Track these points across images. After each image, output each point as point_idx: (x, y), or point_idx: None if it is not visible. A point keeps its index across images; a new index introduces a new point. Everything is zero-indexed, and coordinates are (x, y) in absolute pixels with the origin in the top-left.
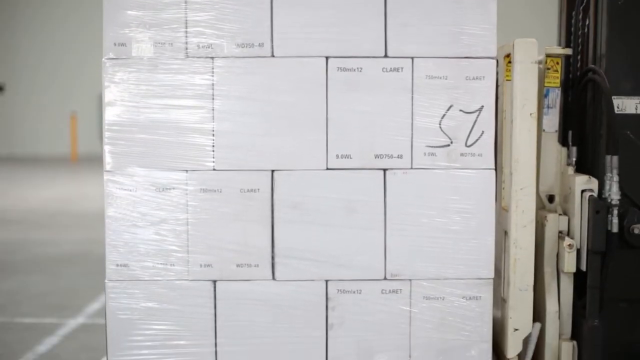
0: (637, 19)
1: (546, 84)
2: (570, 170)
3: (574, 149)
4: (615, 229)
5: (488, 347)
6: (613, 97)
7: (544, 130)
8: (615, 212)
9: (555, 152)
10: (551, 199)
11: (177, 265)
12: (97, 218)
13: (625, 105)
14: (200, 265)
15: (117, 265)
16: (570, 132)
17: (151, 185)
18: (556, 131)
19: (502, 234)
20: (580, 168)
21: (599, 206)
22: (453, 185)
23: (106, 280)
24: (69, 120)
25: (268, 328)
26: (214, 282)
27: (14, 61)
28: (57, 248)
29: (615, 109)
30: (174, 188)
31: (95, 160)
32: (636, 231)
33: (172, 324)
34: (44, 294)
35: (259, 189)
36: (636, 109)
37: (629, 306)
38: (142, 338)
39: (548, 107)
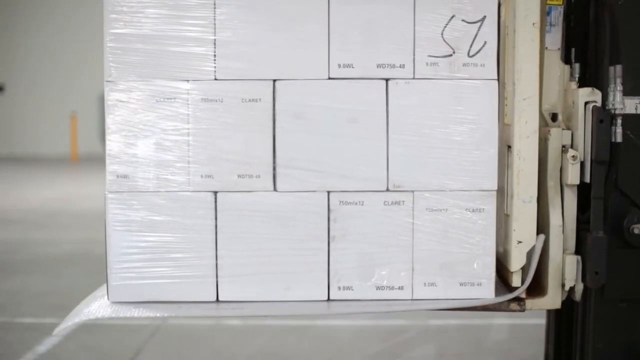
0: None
1: (548, 2)
2: (574, 85)
3: (577, 66)
4: (619, 139)
5: (491, 260)
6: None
7: (546, 48)
8: (619, 122)
9: (558, 69)
10: (554, 117)
11: (177, 176)
12: (97, 218)
13: (625, 105)
14: (201, 176)
15: (117, 176)
16: (573, 49)
17: (152, 95)
18: (559, 49)
19: (505, 151)
20: (584, 85)
21: (602, 115)
22: (455, 95)
23: (106, 192)
24: (69, 120)
25: (269, 240)
26: (215, 193)
27: (14, 61)
28: (57, 248)
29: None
30: (175, 98)
31: (95, 160)
32: (636, 231)
33: (173, 235)
34: (44, 294)
35: (260, 99)
36: (636, 109)
37: (629, 306)
38: (142, 250)
39: (550, 24)
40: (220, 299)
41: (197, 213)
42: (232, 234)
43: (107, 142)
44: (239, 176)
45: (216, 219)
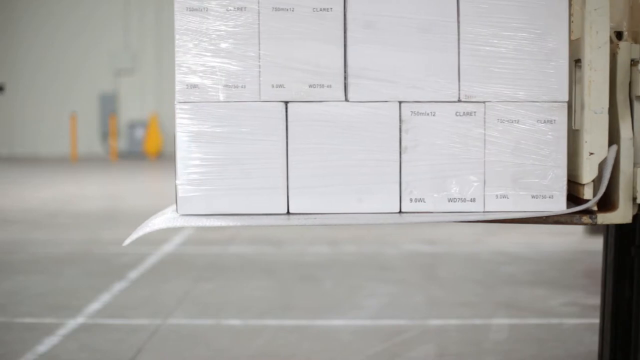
0: None
1: None
2: None
3: None
4: None
5: (563, 172)
6: None
7: None
8: None
9: None
10: (619, 35)
11: (248, 86)
12: (97, 218)
13: None
14: (272, 86)
15: (187, 86)
16: None
17: (223, 4)
18: None
19: (572, 67)
20: None
21: None
22: (526, 5)
23: (176, 102)
24: (69, 120)
25: (341, 151)
26: (286, 103)
27: (14, 61)
28: (57, 248)
29: None
30: (245, 7)
31: (95, 160)
32: None
33: (243, 146)
34: (44, 294)
35: (331, 8)
36: None
37: None
38: (211, 162)
39: None
40: (290, 211)
41: (267, 123)
42: (302, 145)
43: (177, 51)
44: (310, 86)
45: (287, 129)
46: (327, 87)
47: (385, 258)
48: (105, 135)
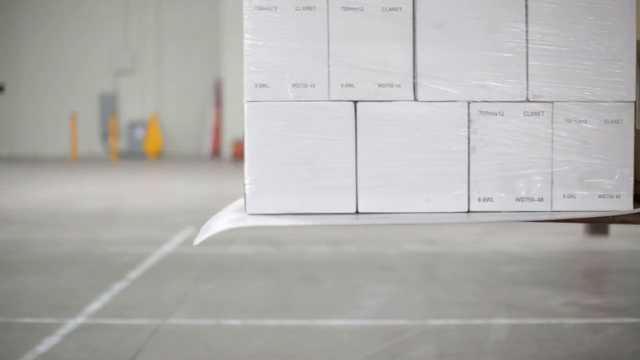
0: None
1: None
2: None
3: None
4: None
5: (630, 172)
6: None
7: None
8: None
9: None
10: None
11: (317, 85)
12: (97, 218)
13: None
14: (342, 85)
15: (256, 85)
16: None
17: (292, 3)
18: None
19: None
20: None
21: None
22: (594, 6)
23: (245, 101)
24: (69, 120)
25: (409, 150)
26: (355, 102)
27: (14, 61)
28: (57, 248)
29: None
30: (315, 7)
31: (95, 160)
32: None
33: (311, 146)
34: (44, 294)
35: (401, 8)
36: None
37: None
38: (280, 161)
39: None
40: (359, 210)
41: (336, 123)
42: (371, 144)
43: (245, 50)
44: (379, 85)
45: (356, 128)
46: (396, 86)
47: (385, 258)
48: (105, 135)
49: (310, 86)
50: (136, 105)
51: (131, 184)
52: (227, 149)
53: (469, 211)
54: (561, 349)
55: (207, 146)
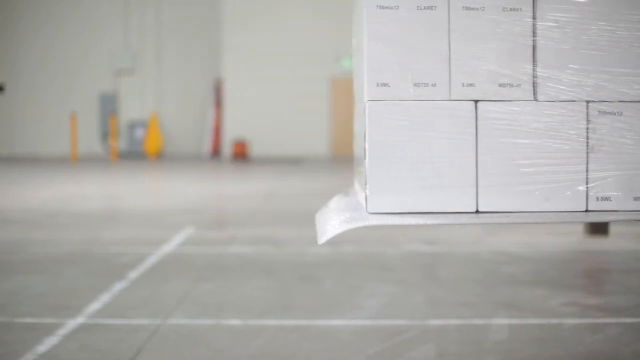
0: None
1: None
2: None
3: None
4: None
5: None
6: None
7: None
8: None
9: None
10: None
11: (438, 85)
12: (97, 218)
13: None
14: (463, 85)
15: (377, 84)
16: None
17: (412, 3)
18: None
19: None
20: None
21: None
22: None
23: (366, 100)
24: (69, 120)
25: (528, 150)
26: (476, 102)
27: (14, 61)
28: (57, 248)
29: None
30: (436, 6)
31: (95, 160)
32: None
33: (432, 145)
34: (44, 294)
35: (521, 8)
36: None
37: None
38: (401, 160)
39: None
40: (479, 209)
41: (457, 122)
42: (491, 144)
43: (367, 50)
44: (499, 85)
45: (476, 128)
46: (517, 86)
47: (385, 258)
48: (105, 135)
49: (432, 85)
50: (136, 105)
51: (131, 184)
52: (227, 149)
53: (587, 210)
54: (561, 349)
55: (207, 146)
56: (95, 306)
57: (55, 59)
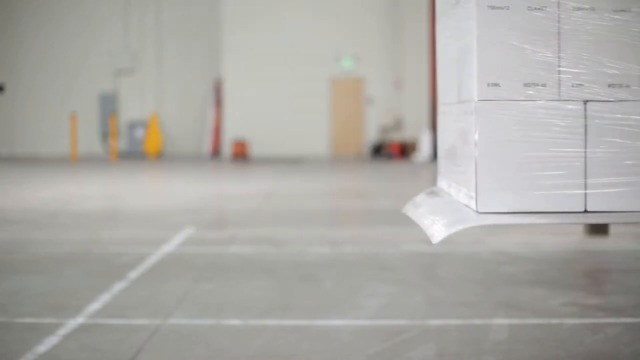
0: None
1: None
2: None
3: None
4: None
5: None
6: None
7: None
8: None
9: None
10: None
11: (548, 85)
12: (97, 218)
13: None
14: (572, 85)
15: (488, 84)
16: None
17: (523, 3)
18: None
19: None
20: None
21: None
22: None
23: (476, 100)
24: (69, 120)
25: (638, 149)
26: (585, 102)
27: (14, 61)
28: (57, 248)
29: None
30: (546, 7)
31: (95, 160)
32: None
33: (541, 145)
34: (44, 294)
35: (631, 8)
36: None
37: None
38: (510, 160)
39: None
40: (588, 209)
41: (566, 122)
42: (601, 144)
43: (478, 50)
44: (609, 85)
45: (586, 128)
46: (626, 87)
47: (385, 258)
48: (105, 135)
49: (541, 86)
50: (136, 105)
51: (131, 183)
52: (227, 148)
53: None
54: (561, 349)
55: (207, 146)
56: (95, 306)
57: (55, 59)
